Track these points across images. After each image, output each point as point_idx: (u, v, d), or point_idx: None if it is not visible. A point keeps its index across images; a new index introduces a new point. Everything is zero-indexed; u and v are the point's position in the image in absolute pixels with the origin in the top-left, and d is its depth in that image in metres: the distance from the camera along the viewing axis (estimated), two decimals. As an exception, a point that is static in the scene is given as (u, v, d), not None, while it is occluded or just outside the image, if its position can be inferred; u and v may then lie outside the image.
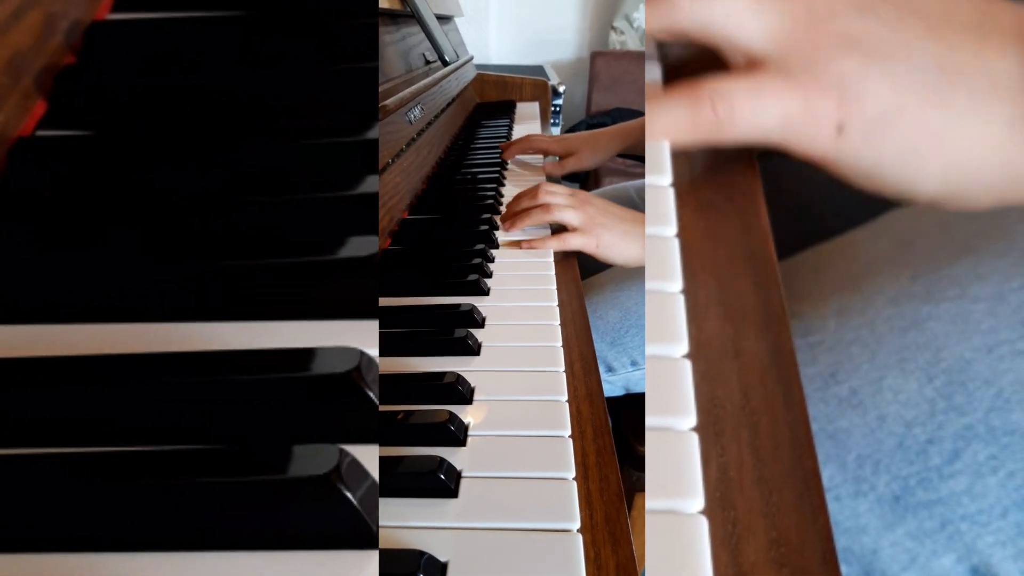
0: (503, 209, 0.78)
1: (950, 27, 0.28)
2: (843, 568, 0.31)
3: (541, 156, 1.11)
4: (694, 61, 0.39)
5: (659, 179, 0.33)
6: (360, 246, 0.32)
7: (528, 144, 1.08)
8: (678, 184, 0.33)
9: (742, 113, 0.30)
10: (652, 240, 0.31)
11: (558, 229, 0.72)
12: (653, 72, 0.40)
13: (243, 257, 0.32)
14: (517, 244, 0.70)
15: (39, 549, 0.24)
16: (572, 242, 0.69)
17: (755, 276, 0.30)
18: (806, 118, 0.29)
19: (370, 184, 0.35)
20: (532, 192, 0.73)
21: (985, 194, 0.29)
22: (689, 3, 0.31)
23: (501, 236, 0.72)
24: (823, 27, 0.29)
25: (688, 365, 0.26)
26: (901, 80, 0.28)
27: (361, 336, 0.30)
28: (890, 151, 0.29)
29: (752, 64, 0.31)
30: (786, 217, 0.34)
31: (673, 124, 0.31)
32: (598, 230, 0.68)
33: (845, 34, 0.29)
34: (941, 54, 0.28)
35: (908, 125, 0.28)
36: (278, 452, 0.25)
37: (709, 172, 0.35)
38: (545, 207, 0.70)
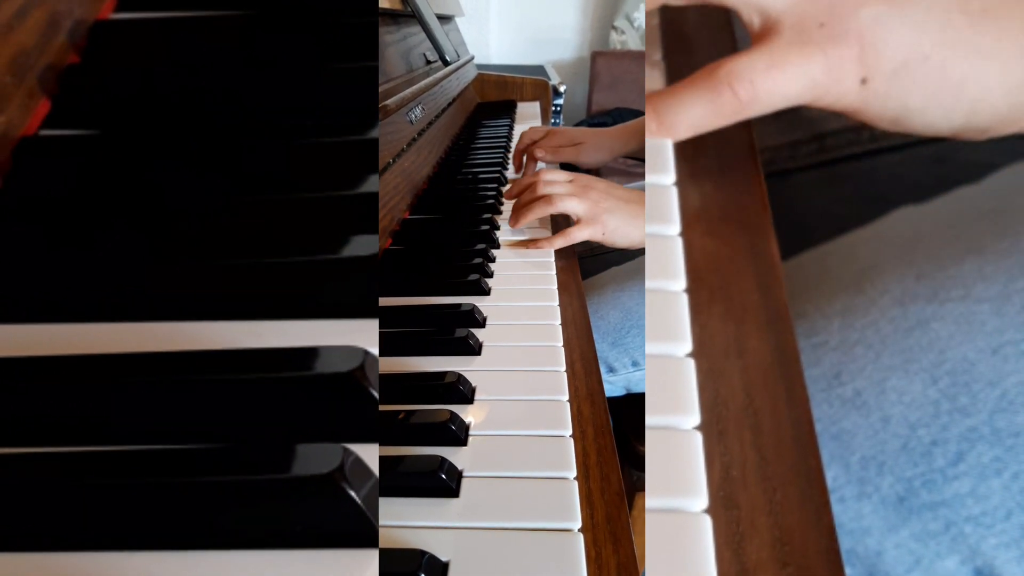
0: (504, 209, 0.78)
1: None
2: (847, 570, 0.31)
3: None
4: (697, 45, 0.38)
5: (661, 178, 0.33)
6: (361, 245, 0.32)
7: (536, 153, 0.97)
8: (680, 183, 0.33)
9: (765, 89, 0.30)
10: (654, 239, 0.31)
11: (561, 218, 0.70)
12: (654, 75, 0.40)
13: (245, 256, 0.32)
14: (522, 244, 0.69)
15: (42, 548, 0.24)
16: (577, 235, 0.67)
17: (758, 275, 0.30)
18: (830, 77, 0.30)
19: (371, 183, 0.35)
20: (532, 184, 0.71)
21: (1010, 125, 0.30)
22: None
23: (502, 236, 0.72)
24: None
25: (691, 364, 0.26)
26: (923, 26, 0.28)
27: (362, 335, 0.30)
28: (915, 96, 0.29)
29: (767, 26, 0.31)
30: (779, 224, 0.33)
31: (696, 115, 0.31)
32: (604, 216, 0.66)
33: None
34: None
35: (932, 70, 0.29)
36: (281, 451, 0.25)
37: (711, 171, 0.35)
38: (547, 199, 0.68)
